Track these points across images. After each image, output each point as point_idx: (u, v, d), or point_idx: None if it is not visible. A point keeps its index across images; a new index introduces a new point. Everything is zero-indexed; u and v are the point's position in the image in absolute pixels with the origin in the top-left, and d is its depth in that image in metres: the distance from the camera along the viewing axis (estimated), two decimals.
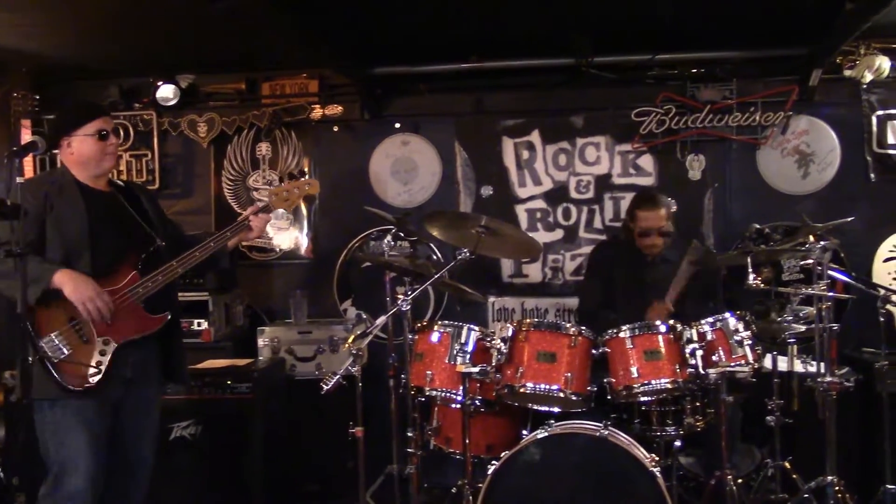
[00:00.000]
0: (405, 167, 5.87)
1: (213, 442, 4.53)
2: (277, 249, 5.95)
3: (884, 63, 5.17)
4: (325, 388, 3.46)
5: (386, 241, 4.92)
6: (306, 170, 5.87)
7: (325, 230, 5.95)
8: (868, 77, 5.23)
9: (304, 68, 5.88)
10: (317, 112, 5.85)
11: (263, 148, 5.97)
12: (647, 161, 5.64)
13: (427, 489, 4.45)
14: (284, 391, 5.13)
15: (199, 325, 5.12)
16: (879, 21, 4.44)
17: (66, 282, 3.24)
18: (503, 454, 3.63)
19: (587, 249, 5.48)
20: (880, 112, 5.41)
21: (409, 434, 4.15)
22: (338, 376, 3.48)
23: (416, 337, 4.10)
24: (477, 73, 5.66)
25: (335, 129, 5.94)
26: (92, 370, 3.25)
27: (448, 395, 3.92)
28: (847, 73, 5.29)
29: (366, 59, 5.57)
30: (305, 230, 5.92)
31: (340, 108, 5.85)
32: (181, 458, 4.46)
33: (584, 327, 3.83)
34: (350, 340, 3.68)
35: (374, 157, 5.90)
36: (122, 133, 5.76)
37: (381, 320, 3.77)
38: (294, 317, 5.56)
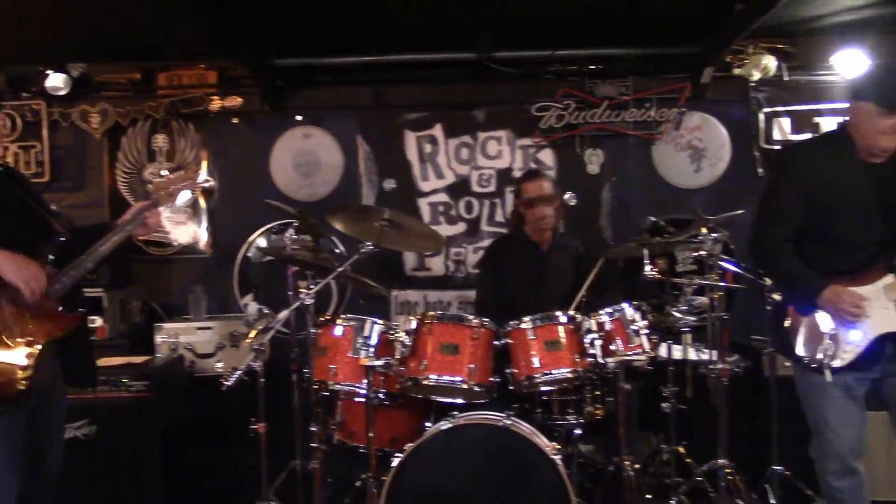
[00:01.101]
0: (307, 160, 5.81)
1: (109, 442, 4.39)
2: (175, 244, 5.81)
3: (770, 62, 5.40)
4: (227, 384, 3.40)
5: (288, 234, 4.87)
6: (204, 162, 5.74)
7: (225, 224, 5.84)
8: (756, 75, 5.45)
9: (202, 59, 5.76)
10: (215, 103, 5.75)
11: (160, 140, 5.82)
12: (547, 155, 5.73)
13: (331, 484, 4.41)
14: (184, 388, 5.01)
15: (93, 321, 4.95)
16: (767, 22, 4.63)
17: (7, 261, 2.99)
18: (407, 446, 3.63)
19: (489, 242, 5.54)
20: (767, 109, 5.64)
21: (313, 429, 4.11)
22: (239, 372, 3.42)
23: (319, 331, 4.06)
24: (379, 67, 5.65)
25: (235, 121, 5.84)
26: (20, 374, 3.00)
27: (352, 388, 3.90)
28: (736, 71, 5.51)
29: (266, 50, 5.50)
30: (204, 224, 5.80)
31: (240, 99, 5.77)
32: (75, 459, 4.29)
33: (486, 319, 3.86)
34: (251, 335, 3.63)
35: (275, 149, 5.82)
36: (8, 123, 5.52)
37: (283, 315, 3.73)
38: (193, 313, 5.45)
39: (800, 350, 3.41)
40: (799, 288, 3.42)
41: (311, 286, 3.98)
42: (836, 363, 3.30)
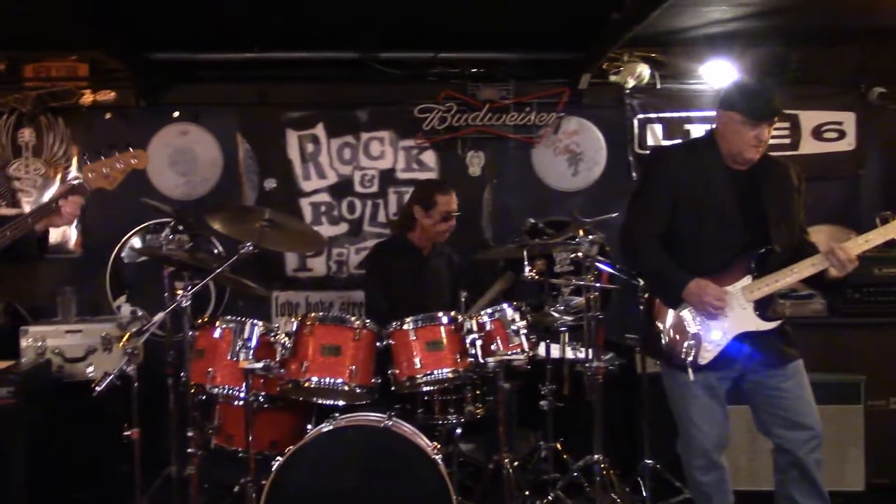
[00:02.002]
0: (184, 158, 5.66)
1: None
2: None
3: (644, 70, 5.60)
4: (98, 389, 3.29)
5: (164, 234, 4.73)
6: (75, 158, 5.53)
7: (97, 223, 5.61)
8: (631, 83, 5.64)
9: (73, 50, 5.52)
10: (87, 97, 5.53)
11: (26, 134, 5.56)
12: (429, 157, 5.77)
13: (208, 489, 4.32)
14: (51, 394, 4.78)
15: None
16: (641, 31, 4.78)
17: None
18: (287, 450, 3.59)
19: (372, 243, 5.50)
20: (641, 116, 5.83)
21: (189, 434, 4.01)
22: (111, 376, 3.32)
23: (197, 333, 3.98)
24: (261, 64, 5.57)
25: (108, 115, 5.63)
26: None
27: (230, 391, 3.83)
28: (612, 78, 5.69)
29: (142, 43, 5.33)
30: (74, 223, 5.57)
31: (113, 93, 5.58)
32: None
33: (368, 320, 3.86)
34: (124, 339, 3.52)
35: (150, 146, 5.63)
36: None
37: (158, 317, 3.64)
38: (62, 315, 5.21)
39: (664, 349, 3.54)
40: (665, 281, 3.54)
41: (188, 287, 3.88)
42: (699, 362, 3.44)
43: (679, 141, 5.66)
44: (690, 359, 3.44)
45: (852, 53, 5.74)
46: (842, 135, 5.86)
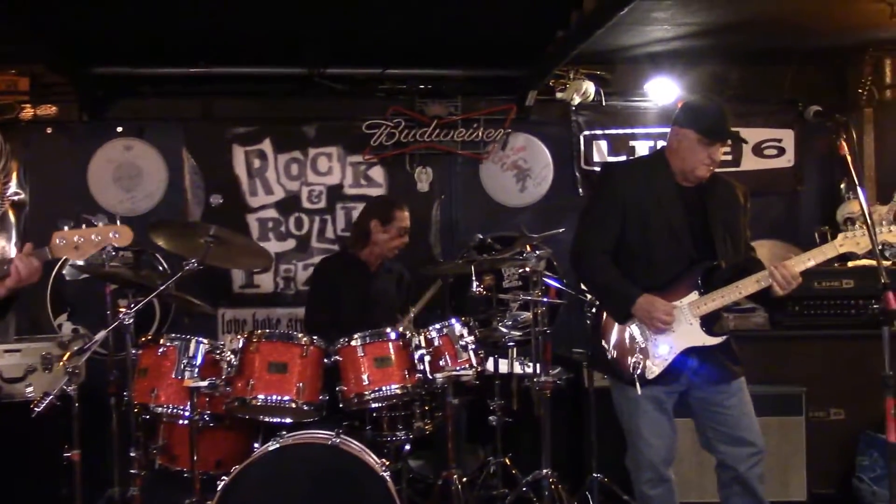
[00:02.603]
0: (128, 173, 5.59)
1: None
2: None
3: (590, 87, 5.67)
4: (37, 410, 3.21)
5: (105, 250, 4.63)
6: (14, 174, 5.41)
7: (38, 239, 5.26)
8: (577, 99, 5.71)
9: (13, 64, 5.42)
10: (27, 112, 5.43)
11: None
12: (377, 172, 5.77)
13: None
14: None
15: None
16: (586, 49, 4.85)
17: None
18: (234, 469, 3.54)
19: (320, 259, 5.49)
20: (587, 132, 5.91)
21: (132, 454, 3.93)
22: (51, 396, 3.25)
23: (140, 352, 3.91)
24: (206, 79, 5.53)
25: (49, 130, 5.54)
26: None
27: (175, 411, 3.77)
28: (559, 95, 5.76)
29: (84, 57, 5.26)
30: (14, 239, 5.45)
31: (55, 108, 5.49)
32: None
33: (315, 337, 3.83)
34: (65, 358, 3.44)
35: (93, 161, 5.56)
36: None
37: (100, 335, 3.57)
38: (0, 334, 5.08)
39: (612, 363, 3.57)
40: (614, 296, 3.57)
41: (132, 305, 3.81)
42: (647, 376, 3.47)
43: (625, 157, 5.77)
44: (638, 373, 3.47)
45: (789, 73, 5.88)
46: (781, 152, 6.00)
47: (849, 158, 3.28)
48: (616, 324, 3.57)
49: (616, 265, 3.56)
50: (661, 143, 5.86)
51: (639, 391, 3.46)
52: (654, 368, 3.48)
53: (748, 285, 3.43)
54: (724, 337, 3.52)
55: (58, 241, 3.09)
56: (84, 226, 3.09)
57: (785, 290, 3.40)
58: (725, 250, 3.51)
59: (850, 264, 5.03)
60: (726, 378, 3.52)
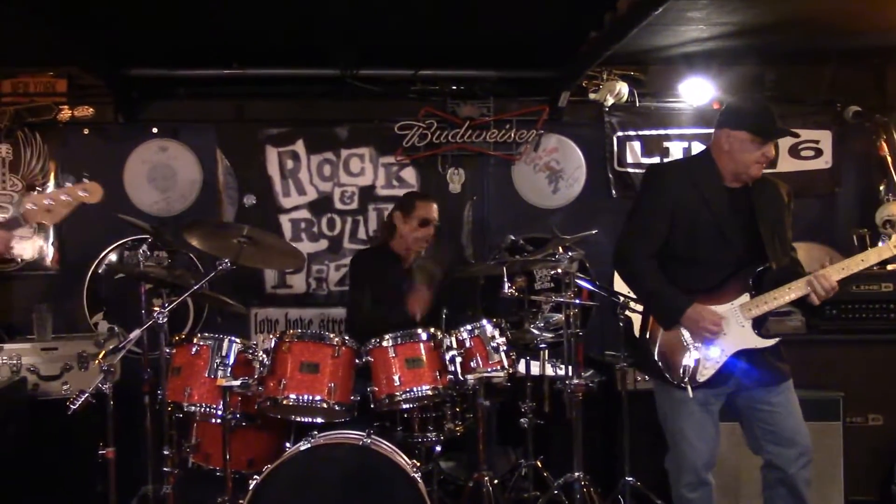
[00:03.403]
0: (163, 174, 5.63)
1: None
2: (19, 260, 5.48)
3: (623, 88, 5.62)
4: (72, 407, 3.25)
5: (141, 250, 4.70)
6: (52, 174, 5.47)
7: (74, 239, 5.57)
8: (610, 100, 5.66)
9: (51, 66, 5.50)
10: (65, 113, 5.49)
11: (3, 150, 5.50)
12: (409, 173, 5.77)
13: None
14: (25, 413, 4.71)
15: None
16: (620, 49, 4.80)
17: None
18: (265, 468, 3.56)
19: (351, 257, 5.49)
20: (620, 133, 5.86)
21: (165, 452, 3.96)
22: (86, 394, 3.28)
23: (174, 351, 3.95)
24: (240, 80, 5.57)
25: (85, 131, 5.59)
26: None
27: (208, 409, 3.81)
28: (592, 96, 5.71)
29: (120, 59, 5.32)
30: (51, 239, 5.52)
31: (91, 109, 5.54)
32: None
33: (347, 337, 3.84)
34: (101, 356, 3.48)
35: (128, 162, 5.61)
36: None
37: (134, 334, 3.60)
38: (37, 332, 5.13)
39: (660, 366, 3.54)
40: (662, 304, 3.55)
41: (165, 304, 3.84)
42: (697, 379, 3.45)
43: (662, 158, 5.73)
44: (689, 376, 3.46)
45: (827, 73, 5.80)
46: (818, 153, 5.91)
47: (889, 159, 3.23)
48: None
49: (662, 267, 3.54)
50: (695, 144, 5.85)
51: (690, 394, 3.45)
52: (705, 371, 3.46)
53: (800, 287, 3.41)
54: (777, 339, 3.49)
55: (29, 207, 3.08)
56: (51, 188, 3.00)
57: (820, 300, 3.40)
58: (775, 251, 3.48)
59: (889, 268, 4.93)
60: (776, 380, 3.51)
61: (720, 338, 3.45)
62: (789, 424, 3.51)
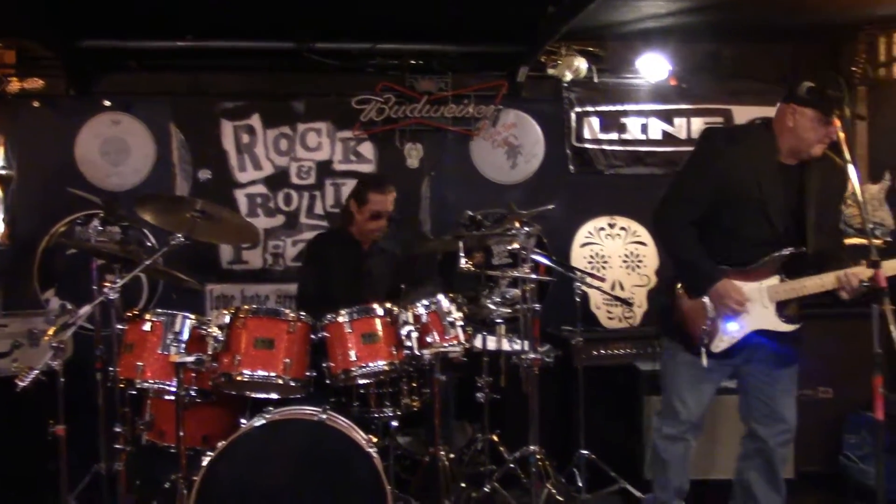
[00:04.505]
0: (116, 148, 5.53)
1: None
2: None
3: (582, 64, 5.62)
4: (21, 384, 3.19)
5: (93, 225, 4.60)
6: (1, 148, 5.35)
7: (24, 214, 5.46)
8: (568, 76, 5.65)
9: None
10: (14, 85, 5.37)
11: None
12: (367, 148, 5.73)
13: (140, 486, 4.23)
14: None
15: None
16: (578, 25, 4.81)
17: None
18: (219, 444, 3.53)
19: (309, 235, 5.45)
20: (578, 109, 5.86)
21: (118, 430, 3.92)
22: (35, 371, 3.22)
23: (127, 327, 3.88)
24: (195, 53, 5.48)
25: (35, 104, 5.47)
26: None
27: (161, 386, 3.76)
28: (550, 71, 5.70)
29: (72, 30, 5.19)
30: (1, 214, 5.40)
31: (42, 82, 5.44)
32: None
33: (303, 313, 3.82)
34: (50, 332, 3.42)
35: (80, 135, 5.51)
36: None
37: (84, 310, 3.54)
38: None
39: (680, 329, 3.62)
40: (694, 272, 3.58)
41: (117, 280, 3.78)
42: (712, 350, 3.52)
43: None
44: (705, 343, 3.53)
45: (784, 50, 5.85)
46: None
47: (841, 136, 3.25)
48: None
49: (702, 233, 3.55)
50: (652, 120, 5.87)
51: (704, 363, 3.52)
52: (720, 343, 3.53)
53: (830, 281, 3.38)
54: (797, 326, 3.53)
55: None
56: None
57: (849, 297, 3.39)
58: (816, 238, 3.47)
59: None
60: (784, 363, 3.60)
61: (742, 316, 3.49)
62: (783, 402, 3.62)
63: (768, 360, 3.59)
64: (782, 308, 3.50)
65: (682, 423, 3.70)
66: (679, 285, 3.65)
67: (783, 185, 3.48)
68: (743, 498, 3.78)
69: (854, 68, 5.69)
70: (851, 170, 3.18)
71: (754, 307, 3.49)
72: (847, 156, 3.19)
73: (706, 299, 3.51)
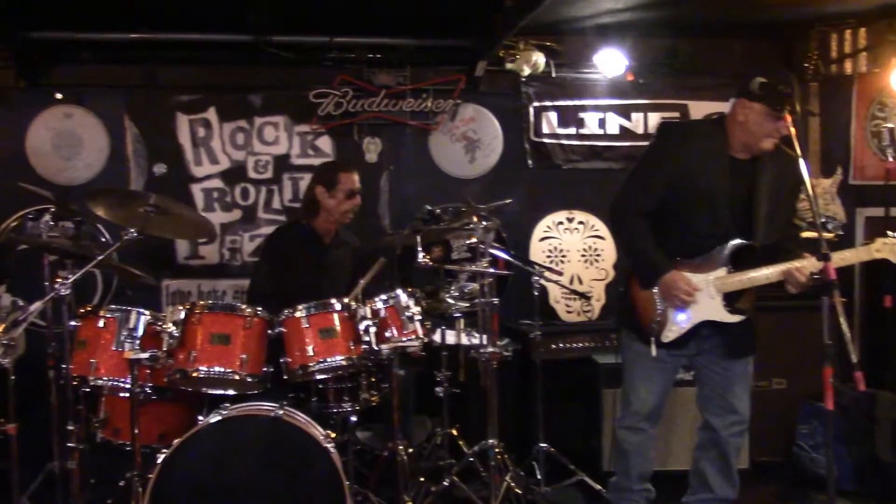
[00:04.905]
0: (68, 142, 5.43)
1: None
2: None
3: (540, 58, 5.64)
4: None
5: (44, 220, 4.53)
6: None
7: None
8: (526, 70, 5.67)
9: None
10: None
11: None
12: (325, 142, 5.69)
13: (94, 485, 4.17)
14: None
15: None
16: (535, 19, 4.80)
17: None
18: (175, 442, 3.49)
19: (266, 230, 5.41)
20: (537, 104, 5.88)
21: (70, 428, 3.86)
22: None
23: (80, 323, 3.82)
24: (149, 45, 5.40)
25: None
26: None
27: (115, 383, 3.70)
28: (508, 66, 5.70)
29: (21, 21, 5.08)
30: None
31: None
32: None
33: (259, 308, 3.78)
34: (1, 329, 3.36)
35: (31, 129, 5.39)
36: None
37: (35, 306, 3.48)
38: None
39: (633, 320, 3.71)
40: (645, 263, 3.67)
41: (70, 276, 3.72)
42: (661, 339, 3.61)
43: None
44: (655, 334, 3.61)
45: (738, 46, 5.93)
46: None
47: (793, 131, 3.30)
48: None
49: (654, 225, 3.62)
50: (610, 115, 5.91)
51: (653, 352, 3.62)
52: (669, 334, 3.61)
53: (776, 274, 3.47)
54: (744, 316, 3.60)
55: None
56: None
57: (796, 291, 3.46)
58: (764, 231, 3.53)
59: None
60: (735, 354, 3.67)
61: (690, 306, 3.56)
62: (736, 392, 3.69)
63: (719, 352, 3.67)
64: (731, 300, 3.57)
65: (637, 413, 3.77)
66: (632, 275, 3.75)
67: (734, 179, 3.54)
68: (699, 488, 3.85)
69: (806, 64, 5.79)
70: (802, 164, 3.23)
71: (702, 298, 3.55)
72: (798, 151, 3.24)
73: (654, 292, 3.61)
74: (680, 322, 3.59)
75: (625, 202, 3.72)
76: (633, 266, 3.79)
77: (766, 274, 3.49)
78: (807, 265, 3.40)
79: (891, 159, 5.30)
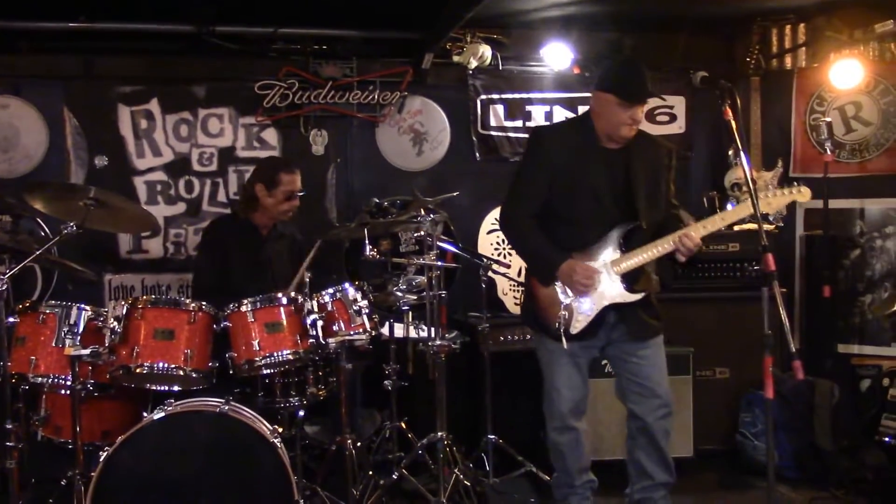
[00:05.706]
0: (5, 134, 5.28)
1: None
2: None
3: (486, 51, 5.65)
4: None
5: None
6: None
7: None
8: (473, 63, 5.67)
9: None
10: None
11: None
12: (271, 134, 5.63)
13: (35, 484, 4.08)
14: None
15: None
16: (482, 12, 4.81)
17: None
18: (118, 439, 3.43)
19: (207, 223, 5.33)
20: (483, 96, 5.88)
21: (9, 426, 3.76)
22: None
23: (18, 320, 3.73)
24: (89, 35, 5.27)
25: None
26: None
27: (56, 380, 3.65)
28: (455, 58, 5.70)
29: None
30: None
31: None
32: None
33: (204, 303, 3.74)
34: None
35: None
36: None
37: None
38: None
39: (540, 319, 3.72)
40: (540, 261, 3.72)
41: (7, 271, 3.63)
42: (570, 331, 3.63)
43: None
44: (564, 328, 3.63)
45: (681, 40, 6.00)
46: (673, 118, 6.12)
47: (733, 124, 3.36)
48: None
49: (544, 226, 3.68)
50: (556, 108, 5.94)
51: (565, 345, 3.63)
52: (577, 324, 3.64)
53: (666, 245, 3.58)
54: (643, 294, 3.66)
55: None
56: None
57: (686, 257, 3.58)
58: (647, 211, 3.64)
59: (735, 228, 5.16)
60: (644, 335, 3.72)
61: (592, 292, 3.61)
62: (653, 377, 3.73)
63: (629, 338, 3.71)
64: (630, 280, 3.65)
65: (561, 412, 3.76)
66: (533, 279, 3.78)
67: (606, 167, 3.66)
68: (637, 477, 3.85)
69: (748, 59, 5.89)
70: (743, 157, 3.30)
71: (602, 283, 3.62)
72: (739, 144, 3.31)
73: (558, 284, 3.65)
74: (585, 311, 3.63)
75: (512, 208, 3.79)
76: (531, 266, 3.86)
77: (657, 247, 3.60)
78: (691, 230, 3.55)
79: (829, 153, 5.43)
